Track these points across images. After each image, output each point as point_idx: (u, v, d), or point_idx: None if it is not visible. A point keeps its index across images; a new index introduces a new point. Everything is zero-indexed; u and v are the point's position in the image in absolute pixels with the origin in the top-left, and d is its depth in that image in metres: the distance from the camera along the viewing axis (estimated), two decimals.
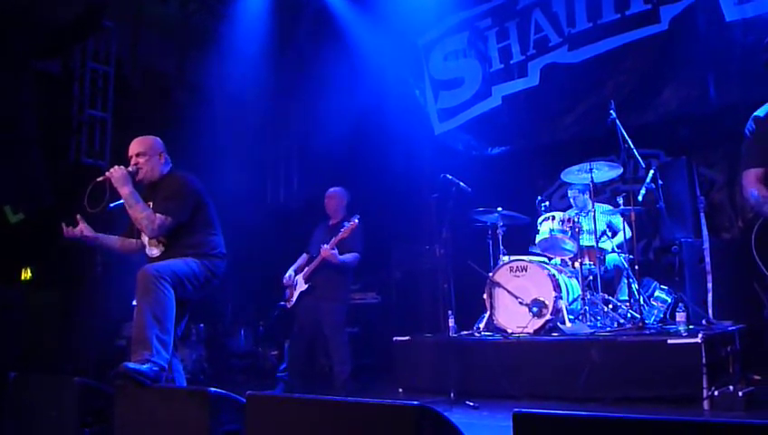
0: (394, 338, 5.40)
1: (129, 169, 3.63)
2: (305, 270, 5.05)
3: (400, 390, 5.12)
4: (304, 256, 5.29)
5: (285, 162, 7.55)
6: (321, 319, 4.97)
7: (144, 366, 3.18)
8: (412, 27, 7.11)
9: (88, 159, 6.21)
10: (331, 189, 5.35)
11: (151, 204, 3.61)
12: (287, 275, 5.17)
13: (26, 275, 6.19)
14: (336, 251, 4.89)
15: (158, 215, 3.52)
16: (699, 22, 5.65)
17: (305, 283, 5.01)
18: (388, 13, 6.85)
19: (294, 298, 5.05)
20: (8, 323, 5.32)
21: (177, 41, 6.86)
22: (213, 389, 2.85)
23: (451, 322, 5.24)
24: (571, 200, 5.77)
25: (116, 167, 3.58)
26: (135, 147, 3.73)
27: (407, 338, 5.35)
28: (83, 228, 3.75)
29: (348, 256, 4.99)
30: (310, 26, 7.33)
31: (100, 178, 3.61)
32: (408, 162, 6.76)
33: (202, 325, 5.88)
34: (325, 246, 4.88)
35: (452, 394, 4.42)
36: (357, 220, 4.91)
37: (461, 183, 5.19)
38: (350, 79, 6.95)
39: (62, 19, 5.75)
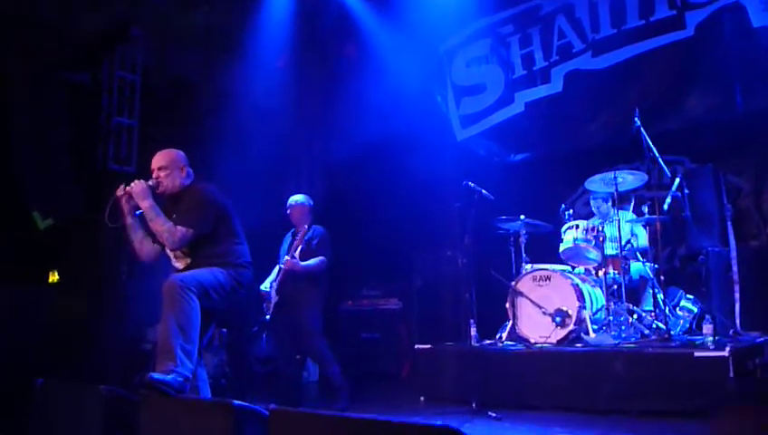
0: (416, 346, 5.39)
1: (150, 182, 3.67)
2: (275, 281, 5.02)
3: (422, 398, 5.11)
4: (277, 268, 5.22)
5: (308, 168, 7.57)
6: (298, 328, 4.91)
7: (169, 377, 3.21)
8: (435, 33, 7.10)
9: (115, 165, 6.31)
10: (293, 199, 5.27)
11: (173, 216, 3.65)
12: (264, 287, 5.10)
13: (54, 277, 6.30)
14: (297, 259, 4.85)
15: (178, 227, 3.56)
16: (726, 28, 5.55)
17: (276, 295, 4.96)
18: (410, 19, 6.84)
19: (271, 310, 4.98)
20: (36, 324, 5.42)
21: (203, 48, 6.94)
22: (237, 401, 2.87)
23: (473, 331, 5.21)
24: (594, 209, 5.72)
25: (136, 181, 3.63)
26: (157, 160, 3.78)
27: (429, 346, 5.34)
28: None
29: (312, 262, 4.94)
30: (332, 32, 7.36)
31: (120, 193, 3.65)
32: (429, 168, 6.74)
33: (224, 330, 5.93)
34: (287, 257, 4.87)
35: (474, 404, 4.40)
36: (306, 227, 4.90)
37: (483, 190, 5.17)
38: (372, 85, 6.95)
39: (92, 31, 5.85)
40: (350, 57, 7.36)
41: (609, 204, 5.42)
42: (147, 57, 6.64)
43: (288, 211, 5.24)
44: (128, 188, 3.63)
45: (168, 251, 3.76)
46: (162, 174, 3.72)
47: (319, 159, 7.77)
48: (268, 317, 4.98)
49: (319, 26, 7.27)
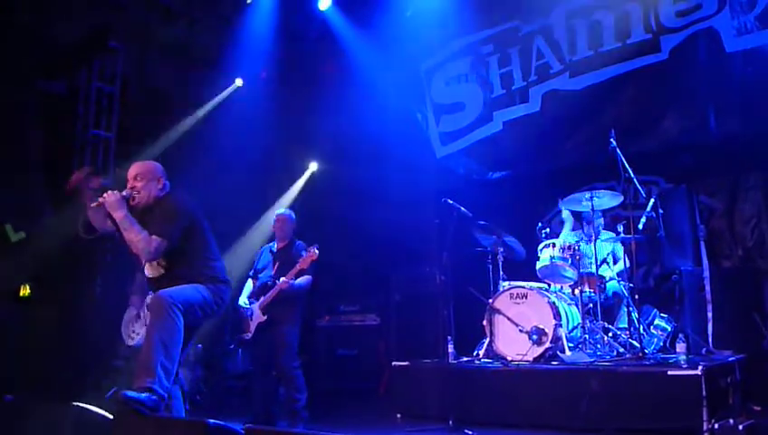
0: (393, 363, 5.37)
1: (124, 193, 3.62)
2: (261, 300, 4.90)
3: (399, 415, 5.09)
4: (250, 282, 5.15)
5: (288, 183, 7.54)
6: (276, 345, 4.83)
7: (143, 395, 3.16)
8: (415, 52, 7.17)
9: None
10: (281, 212, 5.24)
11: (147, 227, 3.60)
12: (241, 303, 5.01)
13: (25, 292, 6.18)
14: (293, 282, 4.80)
15: (153, 237, 3.51)
16: (700, 52, 5.69)
17: (263, 314, 4.87)
18: (391, 38, 6.91)
19: (253, 329, 4.89)
20: (6, 340, 5.31)
21: (183, 61, 6.91)
22: (211, 420, 2.83)
23: (450, 347, 5.21)
24: (566, 222, 5.75)
25: (109, 192, 3.58)
26: (134, 170, 3.74)
27: (406, 363, 5.32)
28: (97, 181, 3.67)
29: (302, 280, 4.90)
30: (314, 50, 7.38)
31: (93, 204, 3.61)
32: (409, 185, 6.77)
33: (200, 346, 5.86)
34: (283, 278, 4.83)
35: (451, 421, 4.39)
36: (317, 250, 4.82)
37: (462, 208, 5.19)
38: (352, 102, 6.99)
39: (69, 40, 5.79)
40: (331, 74, 7.38)
41: (597, 220, 5.44)
42: (125, 69, 6.59)
43: (273, 224, 5.22)
44: (101, 199, 3.58)
45: (147, 262, 3.70)
46: (138, 184, 3.67)
47: (298, 175, 7.75)
48: (248, 336, 4.90)
49: (301, 43, 7.29)
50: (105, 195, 3.57)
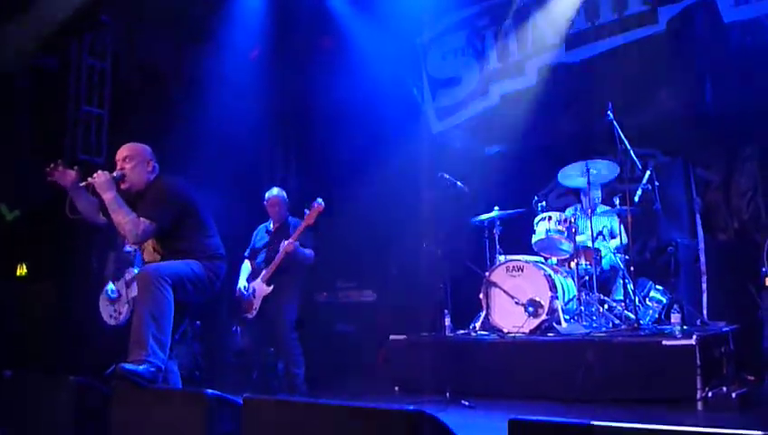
0: (390, 336, 5.40)
1: (114, 173, 3.61)
2: (264, 273, 4.88)
3: (397, 388, 5.13)
4: (247, 263, 5.14)
5: (283, 160, 7.51)
6: (276, 318, 4.84)
7: (141, 367, 3.18)
8: (410, 26, 7.10)
9: (84, 155, 6.18)
10: (273, 194, 5.16)
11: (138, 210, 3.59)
12: (240, 287, 4.99)
13: (22, 271, 6.18)
14: (298, 244, 4.76)
15: (141, 220, 3.50)
16: (697, 23, 5.66)
17: (268, 285, 4.84)
18: (387, 12, 6.82)
19: (258, 305, 4.87)
20: (4, 318, 5.31)
21: (175, 35, 6.81)
22: (210, 390, 2.84)
23: (447, 321, 5.25)
24: (582, 196, 5.71)
25: (99, 172, 3.57)
26: (123, 152, 3.72)
27: (403, 337, 5.35)
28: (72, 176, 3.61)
29: (308, 251, 4.89)
30: (308, 24, 7.29)
31: (82, 184, 3.59)
32: (405, 160, 6.75)
33: (198, 322, 5.87)
34: (289, 241, 4.74)
35: (448, 393, 4.43)
36: (322, 203, 4.75)
37: (458, 182, 5.20)
38: (347, 77, 6.93)
39: (60, 14, 5.71)
40: (326, 49, 7.30)
41: (595, 193, 5.44)
42: (117, 44, 6.50)
43: (266, 204, 5.19)
44: (90, 179, 3.56)
45: (134, 245, 3.70)
46: (128, 166, 3.65)
47: (294, 151, 7.72)
48: (251, 315, 4.90)
49: (295, 18, 7.19)
50: (95, 175, 3.56)
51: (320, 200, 4.80)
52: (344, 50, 7.08)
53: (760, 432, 1.69)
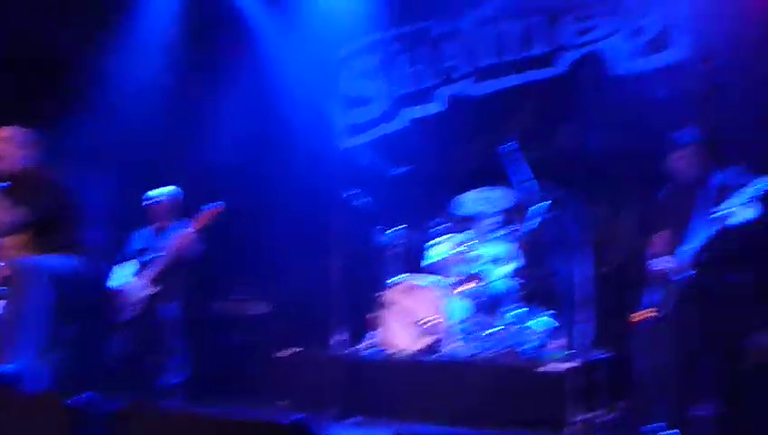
0: (281, 352, 5.31)
1: None
2: (147, 273, 4.69)
3: (285, 404, 5.03)
4: (130, 263, 4.94)
5: (182, 165, 7.21)
6: (159, 322, 4.70)
7: (6, 367, 2.96)
8: (328, 41, 7.12)
9: None
10: (161, 191, 5.02)
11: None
12: (121, 287, 4.76)
13: None
14: (186, 241, 4.62)
15: (10, 211, 3.31)
16: (593, 71, 6.07)
17: (155, 286, 4.68)
18: (305, 24, 6.85)
19: (140, 307, 4.70)
20: None
21: (78, 21, 6.48)
22: (78, 396, 2.67)
23: (340, 338, 5.23)
24: (473, 225, 5.92)
25: None
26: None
27: (293, 351, 5.28)
28: None
29: (193, 250, 4.76)
30: (220, 25, 7.15)
31: None
32: (312, 174, 6.73)
33: (75, 323, 5.52)
34: (178, 236, 4.59)
35: (336, 411, 4.39)
36: (216, 207, 4.65)
37: (363, 199, 5.24)
38: (258, 84, 6.86)
39: None
40: (238, 52, 7.17)
41: (492, 219, 5.66)
42: (12, 29, 6.12)
43: (155, 204, 4.98)
44: None
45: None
46: (3, 147, 3.45)
47: (196, 157, 7.45)
48: (129, 316, 4.68)
49: (209, 14, 7.02)
50: None
51: (214, 204, 4.67)
52: (258, 56, 7.01)
53: None
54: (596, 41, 6.05)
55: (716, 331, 3.82)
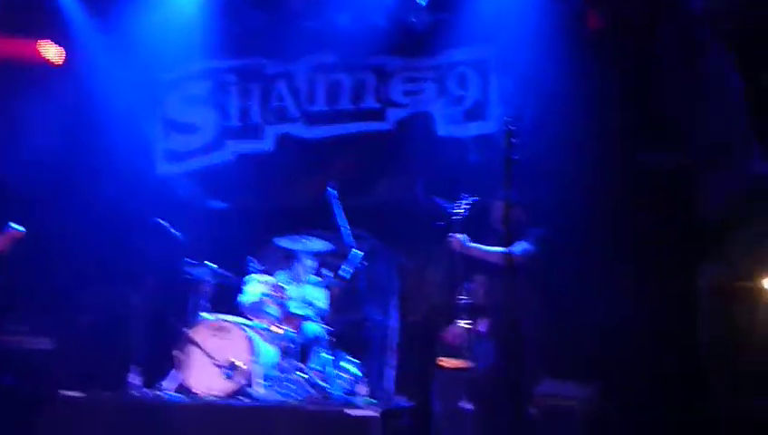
0: (64, 393, 4.77)
1: None
2: None
3: None
4: None
5: None
6: None
7: None
8: (156, 61, 6.75)
9: None
10: None
11: None
12: None
13: None
14: None
15: None
16: (418, 130, 6.43)
17: None
18: (134, 41, 6.43)
19: None
20: None
21: None
22: None
23: (135, 378, 4.83)
24: (291, 268, 5.88)
25: None
26: None
27: (79, 394, 4.76)
28: None
29: None
30: (38, 29, 6.47)
31: None
32: (120, 197, 6.23)
33: None
34: None
35: None
36: (21, 229, 4.15)
37: (173, 230, 4.97)
38: (77, 98, 6.29)
39: None
40: (55, 59, 6.53)
41: (307, 263, 5.64)
42: None
43: None
44: None
45: None
46: None
47: None
48: None
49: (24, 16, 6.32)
50: None
51: (15, 227, 4.10)
52: (77, 64, 6.47)
53: None
54: (423, 102, 6.45)
55: (510, 380, 4.11)
